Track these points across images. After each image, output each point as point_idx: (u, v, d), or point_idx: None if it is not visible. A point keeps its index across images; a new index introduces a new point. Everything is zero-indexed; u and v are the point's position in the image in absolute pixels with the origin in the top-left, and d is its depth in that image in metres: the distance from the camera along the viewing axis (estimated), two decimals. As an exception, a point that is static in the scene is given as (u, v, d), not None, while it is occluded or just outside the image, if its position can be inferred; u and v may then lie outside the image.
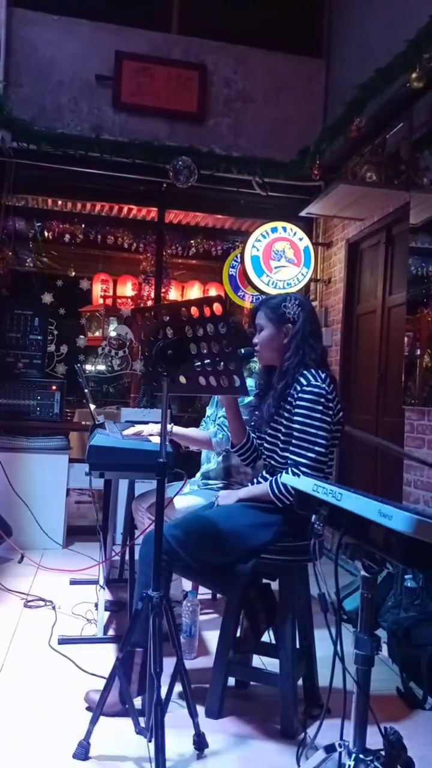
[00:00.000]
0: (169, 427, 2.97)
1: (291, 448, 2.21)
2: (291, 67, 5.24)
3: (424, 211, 3.56)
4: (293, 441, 2.21)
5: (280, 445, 2.28)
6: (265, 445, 2.38)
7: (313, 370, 2.24)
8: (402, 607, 2.84)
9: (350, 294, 4.84)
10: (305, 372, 2.24)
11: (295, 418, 2.21)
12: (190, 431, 3.09)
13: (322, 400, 2.19)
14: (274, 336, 2.35)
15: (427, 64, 3.34)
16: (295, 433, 2.20)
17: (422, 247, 3.59)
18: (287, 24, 5.42)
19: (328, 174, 4.83)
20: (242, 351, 2.33)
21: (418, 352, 3.52)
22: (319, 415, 2.18)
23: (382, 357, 4.30)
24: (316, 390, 2.19)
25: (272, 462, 2.34)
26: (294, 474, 2.11)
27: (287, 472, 2.15)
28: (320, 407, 2.18)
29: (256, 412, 2.48)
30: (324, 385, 2.21)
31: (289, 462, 2.21)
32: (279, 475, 2.22)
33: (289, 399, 2.24)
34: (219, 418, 3.10)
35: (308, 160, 4.82)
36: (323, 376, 2.24)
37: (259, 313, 2.40)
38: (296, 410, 2.21)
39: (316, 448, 2.17)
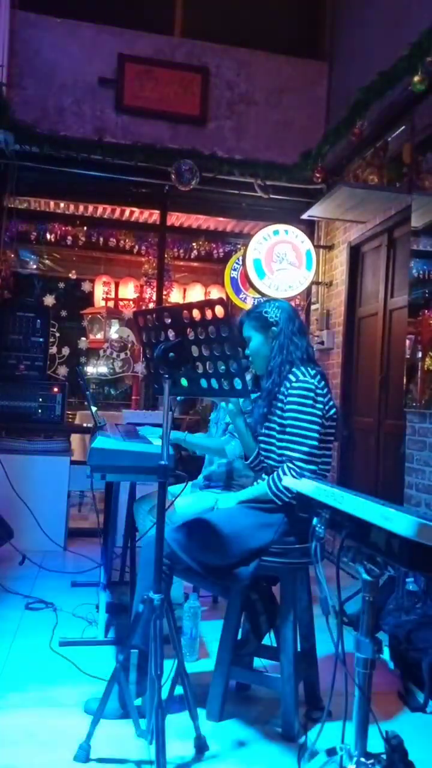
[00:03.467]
0: (183, 435, 2.98)
1: (284, 443, 2.24)
2: (293, 70, 5.24)
3: (426, 213, 3.56)
4: (286, 436, 2.24)
5: (276, 444, 2.30)
6: (262, 445, 2.39)
7: (302, 368, 2.29)
8: (403, 610, 2.83)
9: (352, 296, 4.84)
10: (294, 370, 2.29)
11: (287, 414, 2.25)
12: (204, 440, 3.10)
13: (312, 394, 2.23)
14: (262, 343, 2.41)
15: (429, 67, 3.34)
16: (288, 429, 2.24)
17: (424, 249, 3.59)
18: (290, 27, 5.43)
19: (330, 177, 4.83)
20: None
21: (420, 354, 3.52)
22: (309, 410, 2.22)
23: (383, 360, 4.30)
24: (305, 385, 2.24)
25: (269, 462, 2.35)
26: (289, 469, 2.15)
27: (283, 471, 2.17)
28: (310, 401, 2.23)
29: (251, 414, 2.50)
30: (313, 381, 2.25)
31: (283, 457, 2.23)
32: (276, 473, 2.23)
33: (279, 398, 2.29)
34: (221, 422, 3.10)
35: (310, 163, 4.82)
36: (312, 372, 2.28)
37: (245, 326, 2.46)
38: (287, 407, 2.25)
39: (309, 442, 2.20)
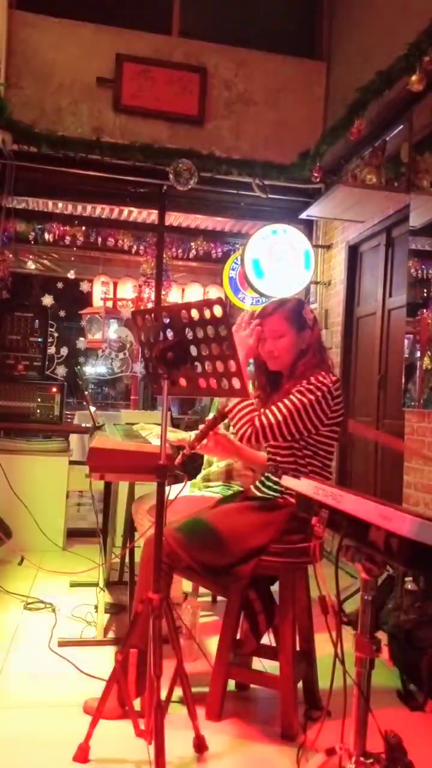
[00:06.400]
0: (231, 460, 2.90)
1: (270, 405, 2.25)
2: (291, 70, 5.24)
3: (425, 213, 3.56)
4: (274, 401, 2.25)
5: (282, 444, 2.29)
6: (269, 448, 2.39)
7: (324, 372, 2.30)
8: (402, 609, 2.83)
9: (350, 296, 4.84)
10: (314, 374, 2.29)
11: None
12: (254, 453, 2.80)
13: (319, 393, 2.23)
14: (295, 342, 2.37)
15: (427, 67, 3.34)
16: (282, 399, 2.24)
17: (422, 249, 3.60)
18: (288, 26, 5.43)
19: (328, 176, 4.83)
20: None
21: (418, 354, 3.52)
22: (309, 397, 2.21)
23: (382, 359, 4.30)
24: (319, 384, 2.24)
25: (276, 459, 2.35)
26: (258, 416, 2.21)
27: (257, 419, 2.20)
28: (313, 396, 2.21)
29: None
30: (328, 382, 2.25)
31: (288, 456, 2.26)
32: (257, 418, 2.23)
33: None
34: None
35: (308, 163, 4.82)
36: (333, 378, 2.30)
37: (276, 318, 2.37)
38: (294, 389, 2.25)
39: (279, 417, 2.20)
